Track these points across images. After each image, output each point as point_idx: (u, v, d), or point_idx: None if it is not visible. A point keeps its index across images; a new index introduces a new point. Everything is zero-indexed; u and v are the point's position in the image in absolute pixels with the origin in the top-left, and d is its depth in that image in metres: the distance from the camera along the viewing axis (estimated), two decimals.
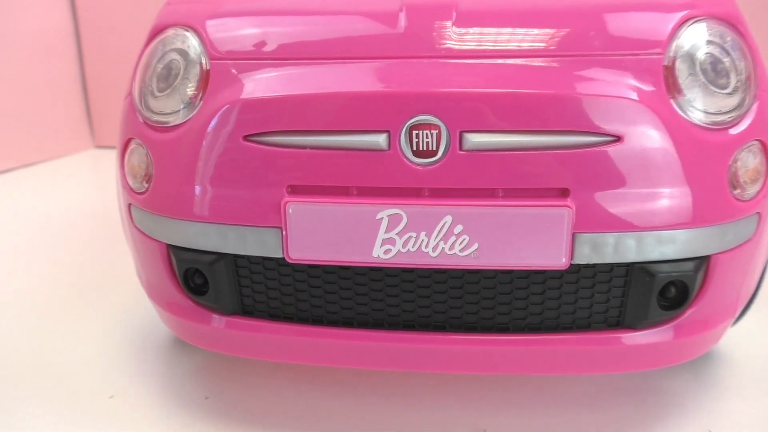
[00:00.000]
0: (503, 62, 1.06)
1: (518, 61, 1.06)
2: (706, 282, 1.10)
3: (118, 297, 1.83)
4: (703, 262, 1.09)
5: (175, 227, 1.14)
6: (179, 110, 1.15)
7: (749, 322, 1.55)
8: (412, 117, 1.01)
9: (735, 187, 1.08)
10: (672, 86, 1.07)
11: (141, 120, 1.20)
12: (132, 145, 1.22)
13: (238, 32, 1.18)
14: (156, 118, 1.18)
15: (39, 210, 2.82)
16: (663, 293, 1.10)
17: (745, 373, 1.43)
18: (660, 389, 1.35)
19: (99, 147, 4.24)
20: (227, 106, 1.07)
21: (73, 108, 4.16)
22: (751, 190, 1.10)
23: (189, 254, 1.15)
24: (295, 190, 1.06)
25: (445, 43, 1.09)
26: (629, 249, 1.04)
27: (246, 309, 1.18)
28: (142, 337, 1.59)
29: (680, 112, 1.06)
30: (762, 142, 1.11)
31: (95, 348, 1.55)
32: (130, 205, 1.24)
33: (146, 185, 1.18)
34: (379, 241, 1.04)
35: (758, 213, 1.12)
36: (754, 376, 1.41)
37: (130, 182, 1.23)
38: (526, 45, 1.08)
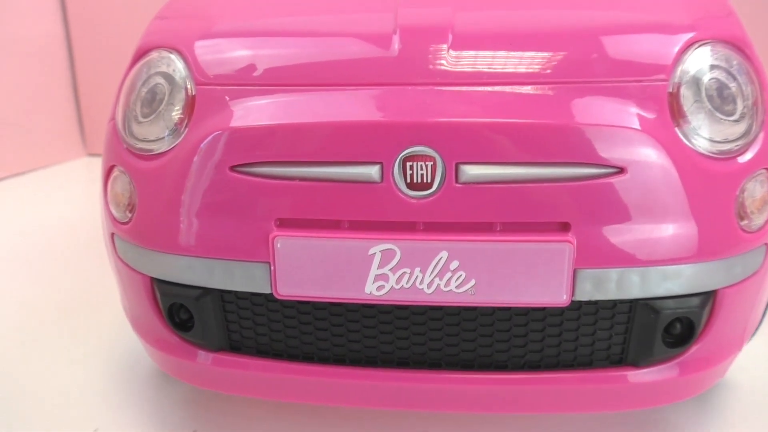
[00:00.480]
0: (501, 90, 1.01)
1: (516, 88, 1.01)
2: (713, 317, 1.06)
3: (103, 321, 1.77)
4: (709, 296, 1.04)
5: (160, 260, 1.09)
6: (164, 137, 1.11)
7: (755, 345, 1.51)
8: (406, 148, 0.97)
9: (742, 218, 1.04)
10: (677, 114, 1.03)
11: (124, 146, 1.15)
12: (115, 173, 1.18)
13: (226, 55, 1.13)
14: (139, 145, 1.13)
15: (27, 222, 2.76)
16: (668, 330, 1.05)
17: (752, 399, 1.38)
18: (664, 421, 1.31)
19: (91, 155, 4.19)
20: (213, 134, 1.03)
21: (65, 115, 4.10)
22: (759, 221, 1.06)
23: (174, 288, 1.10)
24: (283, 224, 1.02)
25: (441, 69, 1.04)
26: (633, 285, 1.00)
27: (233, 345, 1.13)
28: (127, 365, 1.54)
29: (685, 141, 1.02)
30: None
31: (78, 377, 1.50)
32: (113, 234, 1.19)
33: (129, 215, 1.14)
34: (371, 277, 1.00)
35: (766, 244, 1.08)
36: (761, 402, 1.37)
37: (113, 211, 1.18)
38: (524, 71, 1.04)
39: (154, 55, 1.19)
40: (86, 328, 1.73)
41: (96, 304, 1.88)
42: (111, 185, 1.19)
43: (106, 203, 1.20)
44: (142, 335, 1.23)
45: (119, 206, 1.17)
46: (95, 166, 3.94)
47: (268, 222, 1.01)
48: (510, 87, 1.02)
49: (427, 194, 0.98)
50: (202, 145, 1.03)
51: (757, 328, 1.28)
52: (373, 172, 0.98)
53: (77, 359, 1.57)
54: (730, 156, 1.04)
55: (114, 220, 1.18)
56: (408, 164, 0.97)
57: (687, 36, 1.08)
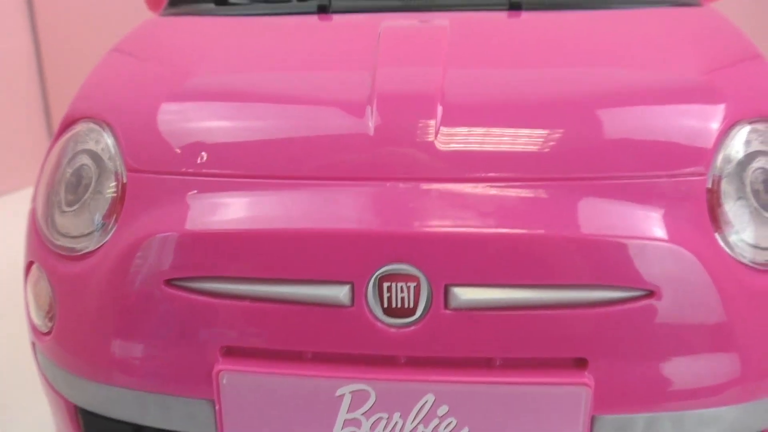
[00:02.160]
0: (501, 190, 0.82)
1: (521, 187, 0.82)
2: None
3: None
4: None
5: (82, 387, 0.90)
6: (89, 233, 0.91)
7: None
8: (383, 265, 0.77)
9: None
10: (717, 216, 0.84)
11: (44, 241, 0.95)
12: (34, 270, 0.98)
13: (166, 133, 0.93)
14: (60, 242, 0.93)
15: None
16: None
17: None
18: None
19: None
20: (146, 240, 0.83)
21: (35, 135, 3.89)
22: None
23: (101, 422, 0.90)
24: (231, 353, 0.82)
25: (427, 159, 0.84)
26: None
27: None
28: None
29: (727, 249, 0.83)
30: None
31: None
32: (34, 343, 0.99)
33: (50, 324, 0.94)
34: (339, 423, 0.80)
35: None
36: None
37: (33, 316, 0.98)
38: (531, 163, 0.84)
39: (82, 127, 0.99)
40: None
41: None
42: (31, 284, 0.99)
43: (26, 304, 1.00)
44: None
45: (40, 309, 0.97)
46: None
47: (212, 351, 0.82)
48: (513, 185, 0.82)
49: (409, 322, 0.78)
50: (130, 252, 0.83)
51: None
52: (341, 293, 0.78)
53: None
54: None
55: (34, 327, 0.98)
56: (385, 285, 0.78)
57: (725, 115, 0.89)
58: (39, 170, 1.03)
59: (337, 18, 1.22)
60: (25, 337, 1.11)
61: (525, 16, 1.19)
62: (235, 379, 0.81)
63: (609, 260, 0.77)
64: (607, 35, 1.12)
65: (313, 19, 1.22)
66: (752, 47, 1.10)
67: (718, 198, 0.84)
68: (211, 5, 1.33)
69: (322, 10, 1.23)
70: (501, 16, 1.20)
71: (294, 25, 1.22)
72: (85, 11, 3.80)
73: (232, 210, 0.84)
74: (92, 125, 0.97)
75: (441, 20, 1.15)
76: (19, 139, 3.78)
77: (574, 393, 0.77)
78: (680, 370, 0.79)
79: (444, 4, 1.23)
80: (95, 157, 0.94)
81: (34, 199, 1.02)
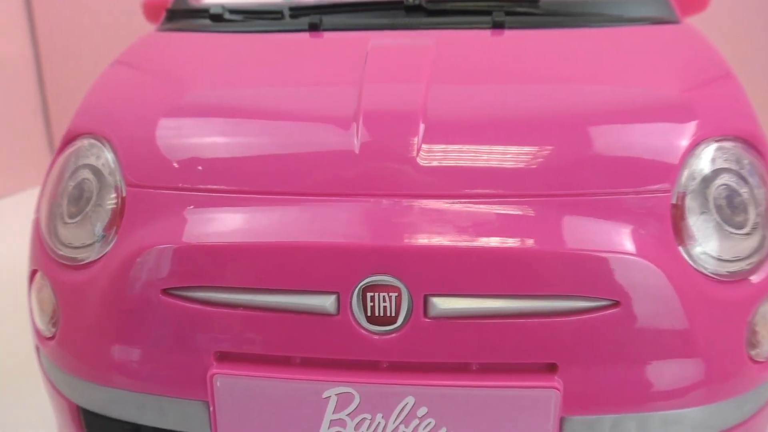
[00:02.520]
0: (477, 206, 0.87)
1: (495, 206, 0.87)
2: None
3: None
4: None
5: (84, 389, 0.95)
6: (90, 244, 0.96)
7: None
8: (367, 277, 0.83)
9: (753, 346, 0.91)
10: (681, 230, 0.89)
11: (47, 251, 1.01)
12: (38, 278, 1.03)
13: (163, 150, 0.98)
14: (63, 251, 0.98)
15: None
16: None
17: None
18: None
19: None
20: (145, 251, 0.88)
21: (34, 138, 3.93)
22: None
23: (102, 421, 0.96)
24: (224, 358, 0.87)
25: (409, 175, 0.90)
26: None
27: None
28: None
29: (690, 262, 0.88)
30: None
31: None
32: (38, 347, 1.05)
33: (53, 330, 0.99)
34: (326, 423, 0.86)
35: None
36: None
37: (37, 321, 1.03)
38: (506, 180, 0.89)
39: (83, 142, 1.04)
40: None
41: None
42: (35, 291, 1.04)
43: (30, 310, 1.05)
44: None
45: (44, 314, 1.02)
46: None
47: (206, 356, 0.87)
48: (489, 201, 0.88)
49: (391, 330, 0.84)
50: (130, 262, 0.89)
51: None
52: (327, 303, 0.84)
53: None
54: (741, 277, 0.90)
55: (38, 332, 1.03)
56: (369, 295, 0.83)
57: (691, 134, 0.94)
58: (42, 183, 1.08)
59: (327, 35, 1.27)
60: (22, 338, 1.14)
61: (507, 34, 1.25)
62: (228, 382, 0.86)
63: (577, 272, 0.82)
64: (585, 55, 1.17)
65: (305, 37, 1.28)
66: (724, 66, 1.15)
67: (683, 213, 0.90)
68: (208, 21, 1.38)
69: (314, 27, 1.29)
70: (485, 35, 1.25)
71: (287, 42, 1.27)
72: (84, 18, 3.83)
73: (225, 224, 0.89)
74: (93, 141, 1.03)
75: (427, 39, 1.21)
76: (18, 143, 3.82)
77: (545, 396, 0.83)
78: (645, 374, 0.84)
79: (430, 23, 1.28)
80: (96, 171, 0.99)
81: (38, 210, 1.07)
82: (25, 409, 1.56)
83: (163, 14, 1.51)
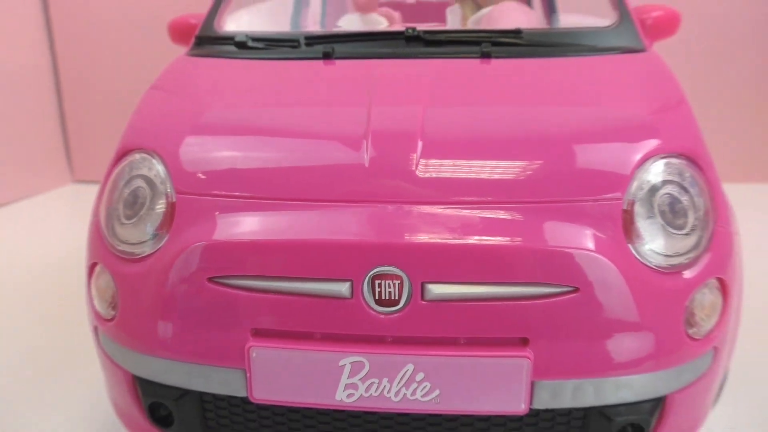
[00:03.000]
0: (464, 211, 1.07)
1: (479, 211, 1.07)
2: (662, 419, 1.13)
3: (83, 381, 1.76)
4: (659, 401, 1.11)
5: (141, 360, 1.14)
6: (145, 241, 1.16)
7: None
8: (375, 267, 1.03)
9: (691, 326, 1.10)
10: (630, 231, 1.09)
11: (107, 246, 1.20)
12: (98, 269, 1.22)
13: (204, 165, 1.18)
14: (121, 247, 1.18)
15: (12, 256, 2.78)
16: None
17: None
18: None
19: (77, 181, 4.21)
20: (192, 247, 1.08)
21: (51, 142, 4.12)
22: (707, 326, 1.12)
23: (154, 387, 1.15)
24: (258, 334, 1.07)
25: (410, 185, 1.10)
26: (587, 394, 1.06)
27: None
28: None
29: (638, 256, 1.08)
30: (719, 279, 1.13)
31: None
32: (96, 327, 1.24)
33: (113, 312, 1.19)
34: (342, 386, 1.06)
35: (714, 347, 1.14)
36: None
37: (97, 306, 1.23)
38: (488, 189, 1.09)
39: (136, 156, 1.24)
40: (61, 394, 1.71)
41: (75, 362, 1.86)
42: (95, 280, 1.23)
43: (90, 297, 1.25)
44: (125, 423, 1.28)
45: (103, 301, 1.21)
46: (81, 193, 3.98)
47: (244, 332, 1.07)
48: (474, 206, 1.08)
49: (395, 310, 1.04)
50: (181, 256, 1.08)
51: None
52: (343, 289, 1.03)
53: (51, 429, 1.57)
54: (681, 269, 1.10)
55: (97, 315, 1.22)
56: (377, 282, 1.03)
57: (642, 151, 1.14)
58: (98, 192, 1.28)
59: (339, 63, 1.48)
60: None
61: (494, 63, 1.45)
62: (262, 353, 1.06)
63: (545, 264, 1.02)
64: (560, 82, 1.37)
65: (319, 64, 1.48)
66: (678, 91, 1.35)
67: (632, 217, 1.10)
68: (233, 48, 1.58)
69: (327, 56, 1.49)
70: (475, 63, 1.45)
71: (303, 68, 1.47)
72: (101, 28, 3.98)
73: (259, 224, 1.09)
74: (144, 155, 1.23)
75: (425, 66, 1.41)
76: (35, 147, 4.00)
77: (519, 364, 1.03)
78: (601, 347, 1.04)
79: (427, 53, 1.48)
80: (149, 181, 1.19)
81: (95, 213, 1.27)
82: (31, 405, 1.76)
83: (191, 39, 1.71)
